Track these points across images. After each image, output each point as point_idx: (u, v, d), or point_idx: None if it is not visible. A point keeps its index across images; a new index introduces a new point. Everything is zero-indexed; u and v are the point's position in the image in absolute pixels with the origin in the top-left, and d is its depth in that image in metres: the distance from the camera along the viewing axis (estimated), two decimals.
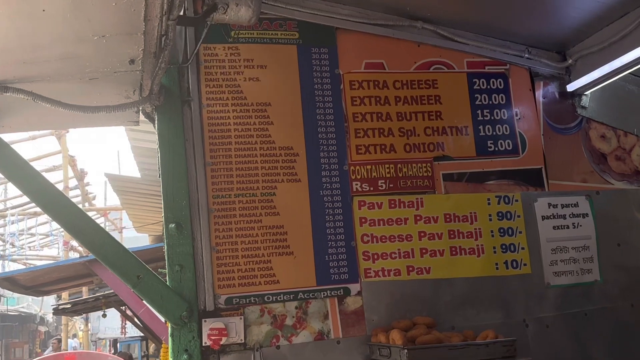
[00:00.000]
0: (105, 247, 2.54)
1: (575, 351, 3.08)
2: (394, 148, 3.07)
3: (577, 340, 3.10)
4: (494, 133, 3.23)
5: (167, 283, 2.66)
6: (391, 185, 3.04)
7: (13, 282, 5.22)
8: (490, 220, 3.12)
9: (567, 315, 3.12)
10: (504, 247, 3.11)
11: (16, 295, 25.30)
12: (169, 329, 2.67)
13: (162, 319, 6.50)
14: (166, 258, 2.70)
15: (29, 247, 13.84)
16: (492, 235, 3.10)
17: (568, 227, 3.26)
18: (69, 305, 7.23)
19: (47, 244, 15.38)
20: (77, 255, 12.55)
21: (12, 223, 11.15)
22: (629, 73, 3.21)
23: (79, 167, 13.65)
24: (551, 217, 3.24)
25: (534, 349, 2.93)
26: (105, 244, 2.55)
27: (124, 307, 7.56)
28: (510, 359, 2.51)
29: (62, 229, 13.08)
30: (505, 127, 3.25)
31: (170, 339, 2.65)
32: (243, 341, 2.71)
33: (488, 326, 2.74)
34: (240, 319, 2.73)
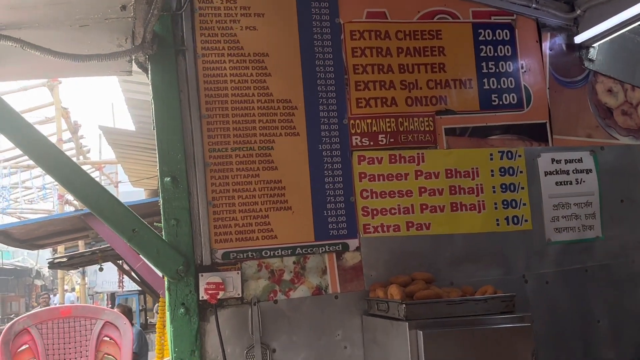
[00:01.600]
0: (99, 200, 2.54)
1: (575, 307, 3.12)
2: (395, 101, 3.04)
3: (576, 297, 3.13)
4: (499, 86, 3.18)
5: (163, 237, 2.67)
6: (392, 140, 3.01)
7: (7, 236, 5.25)
8: (493, 176, 3.11)
9: (568, 271, 3.15)
10: (505, 203, 3.11)
11: (11, 249, 25.50)
12: (166, 283, 2.70)
13: (159, 274, 6.58)
14: (162, 212, 2.70)
15: (24, 200, 13.88)
16: (494, 191, 3.09)
17: (571, 183, 3.26)
18: (65, 259, 7.30)
19: (42, 197, 15.42)
20: (72, 209, 12.60)
21: (5, 176, 11.14)
22: (639, 25, 3.15)
23: (72, 119, 13.56)
24: (554, 172, 3.23)
25: (533, 304, 2.95)
26: (100, 197, 2.55)
27: (120, 261, 7.63)
28: (509, 314, 2.53)
29: (56, 183, 13.13)
30: (510, 80, 3.20)
31: (167, 293, 2.68)
32: (240, 295, 2.74)
33: (487, 282, 2.75)
34: (238, 273, 2.75)
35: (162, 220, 2.70)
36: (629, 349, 3.16)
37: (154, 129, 2.73)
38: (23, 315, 3.89)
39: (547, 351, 2.90)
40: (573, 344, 3.07)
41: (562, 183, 3.24)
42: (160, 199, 2.72)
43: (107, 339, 3.72)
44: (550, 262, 3.14)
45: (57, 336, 3.61)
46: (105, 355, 3.68)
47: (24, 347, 3.56)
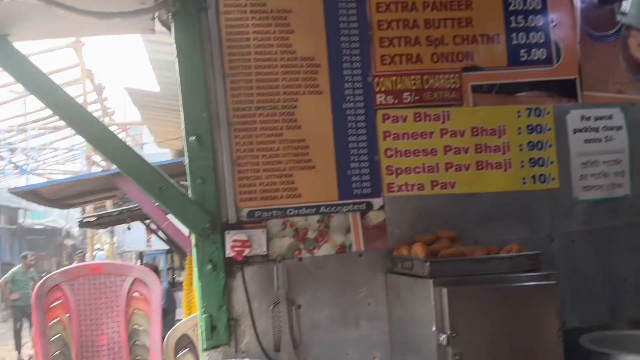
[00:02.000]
0: (127, 159, 2.58)
1: (601, 266, 3.09)
2: (421, 58, 2.98)
3: (603, 255, 3.10)
4: (528, 41, 3.10)
5: (190, 196, 2.71)
6: (417, 98, 2.98)
7: (37, 195, 5.36)
8: (520, 133, 3.06)
9: (595, 230, 3.12)
10: (532, 161, 3.07)
11: (41, 209, 26.09)
12: (193, 240, 2.74)
13: (186, 233, 6.68)
14: (187, 171, 2.73)
15: (52, 161, 14.11)
16: (521, 150, 3.05)
17: (600, 141, 3.20)
18: (94, 218, 7.44)
19: (69, 158, 15.66)
20: (99, 170, 12.78)
21: (34, 137, 11.30)
22: None
23: (97, 81, 13.64)
24: (583, 130, 3.17)
25: (558, 263, 2.94)
26: (128, 156, 2.58)
27: (147, 221, 7.76)
28: (534, 272, 2.53)
29: (84, 144, 13.30)
30: (540, 35, 3.11)
31: (194, 250, 2.73)
32: (266, 253, 2.77)
33: (512, 241, 2.74)
34: (263, 231, 2.78)
35: (188, 179, 2.73)
36: None
37: (178, 89, 2.74)
38: (55, 272, 4.00)
39: (572, 310, 2.90)
40: (599, 302, 3.06)
41: (591, 140, 3.19)
42: (186, 158, 2.74)
43: (137, 295, 3.81)
44: (577, 220, 3.11)
45: (88, 292, 3.71)
46: (136, 311, 3.78)
47: (56, 302, 3.67)
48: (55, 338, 3.66)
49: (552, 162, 3.10)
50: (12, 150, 10.70)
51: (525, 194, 3.05)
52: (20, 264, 13.79)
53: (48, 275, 3.89)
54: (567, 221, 3.10)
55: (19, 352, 12.72)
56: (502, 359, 2.40)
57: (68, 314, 3.69)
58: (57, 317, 3.67)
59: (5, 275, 13.98)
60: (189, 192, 2.72)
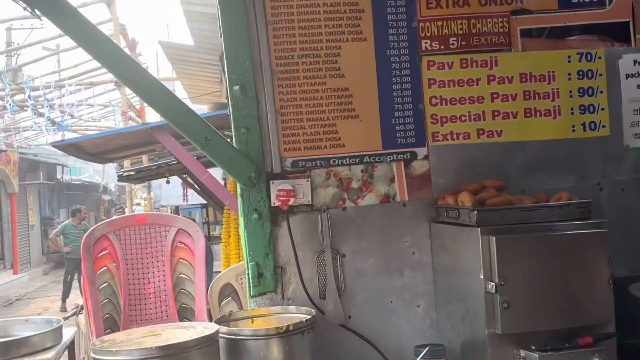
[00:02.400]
0: (173, 109, 2.58)
1: None
2: (468, 1, 2.88)
3: None
4: None
5: (234, 145, 2.71)
6: (463, 43, 2.90)
7: (79, 149, 5.45)
8: (570, 79, 2.97)
9: None
10: (582, 108, 2.98)
11: (78, 165, 26.60)
12: (239, 190, 2.76)
13: (223, 185, 6.74)
14: (232, 121, 2.73)
15: (91, 118, 14.30)
16: (571, 96, 2.97)
17: None
18: (133, 173, 7.55)
19: (105, 115, 15.85)
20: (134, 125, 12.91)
21: (70, 93, 11.43)
22: None
23: (130, 36, 13.67)
24: (636, 75, 3.05)
25: (607, 211, 2.87)
26: (174, 106, 2.58)
27: (185, 175, 7.84)
28: (585, 220, 2.49)
29: (119, 100, 13.43)
30: None
31: (240, 199, 2.75)
32: (310, 202, 2.78)
33: (560, 190, 2.69)
34: (307, 181, 2.78)
35: (232, 129, 2.74)
36: None
37: (220, 37, 2.72)
38: (101, 222, 4.07)
39: (621, 259, 2.83)
40: None
41: None
42: (230, 108, 2.74)
43: (181, 245, 3.87)
44: (628, 168, 3.03)
45: (134, 242, 3.77)
46: (180, 260, 3.84)
47: (104, 252, 3.75)
48: (104, 286, 3.75)
49: (602, 109, 3.01)
50: (51, 107, 10.84)
51: (574, 141, 2.98)
52: (71, 218, 14.20)
53: (95, 226, 3.96)
54: (617, 169, 3.02)
55: (64, 302, 13.18)
56: (551, 307, 2.37)
57: (115, 263, 3.77)
58: (104, 266, 3.75)
59: (56, 229, 14.45)
60: (234, 142, 2.73)
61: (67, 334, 2.50)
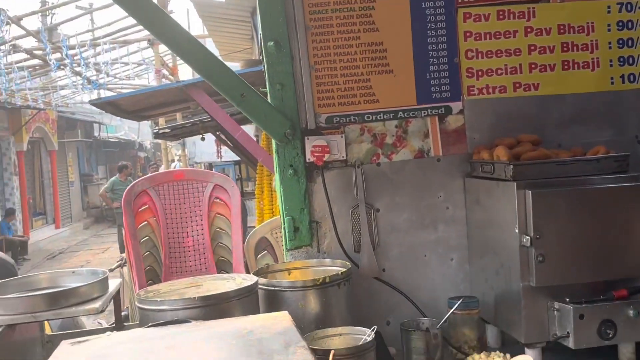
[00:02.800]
0: (210, 66, 2.57)
1: None
2: None
3: None
4: None
5: (269, 101, 2.71)
6: None
7: (116, 107, 5.51)
8: (609, 30, 2.87)
9: None
10: (621, 59, 2.89)
11: (114, 123, 26.96)
12: (274, 146, 2.77)
13: (256, 141, 6.77)
14: (266, 77, 2.72)
15: (125, 76, 14.39)
16: (610, 47, 2.88)
17: None
18: (168, 130, 7.63)
19: (139, 73, 15.92)
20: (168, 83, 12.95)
21: (105, 52, 11.49)
22: None
23: None
24: None
25: None
26: (210, 63, 2.58)
27: (218, 132, 7.89)
28: (622, 173, 2.45)
29: (153, 58, 13.46)
30: None
31: (275, 155, 2.76)
32: (344, 158, 2.78)
33: (597, 143, 2.63)
34: (341, 137, 2.78)
35: (267, 85, 2.73)
36: None
37: None
38: (141, 178, 4.14)
39: None
40: None
41: None
42: (265, 64, 2.73)
43: (218, 200, 3.91)
44: None
45: (172, 197, 3.83)
46: (217, 215, 3.89)
47: (144, 207, 3.81)
48: (145, 240, 3.83)
49: None
50: (86, 65, 10.93)
51: (613, 94, 2.90)
52: (118, 174, 14.52)
53: (135, 182, 4.03)
54: None
55: (122, 253, 13.62)
56: (586, 260, 2.36)
57: (155, 218, 3.83)
58: (145, 221, 3.82)
59: (105, 186, 14.85)
60: (268, 98, 2.73)
61: (113, 285, 2.57)
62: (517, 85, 2.85)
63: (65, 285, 2.50)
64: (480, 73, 2.84)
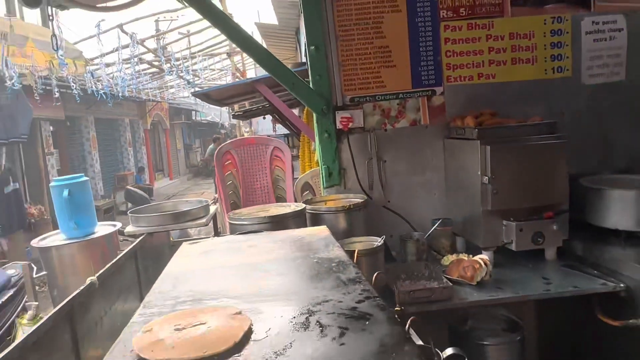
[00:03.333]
0: (272, 64, 2.52)
1: (600, 132, 2.84)
2: None
3: (602, 125, 2.83)
4: None
5: (311, 87, 2.66)
6: (469, 12, 2.69)
7: (208, 96, 5.50)
8: (545, 36, 2.74)
9: (597, 106, 2.83)
10: (553, 57, 2.76)
11: (205, 110, 26.97)
12: (314, 118, 2.73)
13: (300, 116, 6.68)
14: (309, 71, 2.66)
15: (211, 78, 14.29)
16: (545, 48, 2.75)
17: (605, 40, 2.81)
18: (241, 113, 7.60)
19: (220, 76, 15.82)
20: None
21: (199, 62, 11.44)
22: None
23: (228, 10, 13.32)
24: (593, 32, 2.79)
25: (567, 130, 2.71)
26: (272, 62, 2.53)
27: (274, 114, 7.81)
28: (551, 134, 2.36)
29: (230, 66, 13.33)
30: None
31: (315, 124, 2.73)
32: (362, 126, 2.73)
33: (535, 115, 2.55)
34: (360, 111, 2.72)
35: (309, 77, 2.68)
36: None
37: (300, 13, 2.61)
38: (225, 143, 4.17)
39: (575, 161, 2.66)
40: (593, 156, 2.84)
41: (598, 40, 2.81)
42: (308, 62, 2.67)
43: (276, 157, 3.94)
44: (583, 100, 2.83)
45: (247, 155, 3.87)
46: (276, 167, 3.92)
47: (228, 162, 3.86)
48: (229, 184, 3.89)
49: (567, 57, 2.78)
50: (187, 71, 10.91)
51: (546, 81, 2.78)
52: (213, 144, 14.63)
53: (221, 145, 4.06)
54: (575, 101, 2.82)
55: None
56: (526, 193, 2.31)
57: (235, 169, 3.88)
58: (229, 171, 3.87)
59: (207, 151, 15.06)
60: (310, 85, 2.68)
61: (212, 209, 2.61)
62: (480, 75, 2.75)
63: (183, 209, 2.55)
64: (455, 67, 2.74)
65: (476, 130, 2.35)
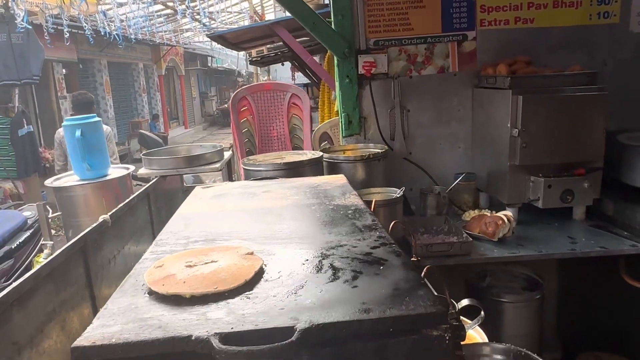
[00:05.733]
0: (294, 3, 2.43)
1: None
2: None
3: None
4: None
5: (333, 28, 2.57)
6: None
7: (223, 39, 5.38)
8: None
9: None
10: (599, 0, 2.59)
11: (222, 57, 26.59)
12: (335, 61, 2.66)
13: (321, 64, 6.54)
14: (332, 10, 2.57)
15: (229, 22, 13.97)
16: None
17: None
18: (259, 58, 7.46)
19: (238, 20, 15.44)
20: None
21: (216, 3, 11.11)
22: None
23: None
24: None
25: (609, 81, 2.59)
26: (294, 1, 2.44)
27: (294, 60, 7.64)
28: (591, 86, 2.25)
29: (248, 9, 12.96)
30: None
31: (336, 69, 2.66)
32: (386, 72, 2.66)
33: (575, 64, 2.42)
34: (385, 56, 2.64)
35: (332, 17, 2.58)
36: None
37: None
38: (241, 88, 4.12)
39: (615, 116, 2.57)
40: (637, 112, 2.72)
41: None
42: (330, 1, 2.56)
43: (294, 104, 3.88)
44: (629, 50, 2.67)
45: (263, 102, 3.82)
46: (293, 115, 3.88)
47: (244, 108, 3.83)
48: (245, 131, 3.88)
49: (616, 1, 2.60)
50: (203, 14, 10.65)
51: (589, 27, 2.63)
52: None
53: (237, 90, 4.02)
54: (621, 51, 2.67)
55: None
56: (557, 148, 2.24)
57: (252, 116, 3.86)
58: (245, 118, 3.85)
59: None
60: (332, 26, 2.59)
61: (226, 154, 2.62)
62: (518, 19, 2.61)
63: (197, 152, 2.56)
64: (490, 9, 2.60)
65: (509, 78, 2.26)
